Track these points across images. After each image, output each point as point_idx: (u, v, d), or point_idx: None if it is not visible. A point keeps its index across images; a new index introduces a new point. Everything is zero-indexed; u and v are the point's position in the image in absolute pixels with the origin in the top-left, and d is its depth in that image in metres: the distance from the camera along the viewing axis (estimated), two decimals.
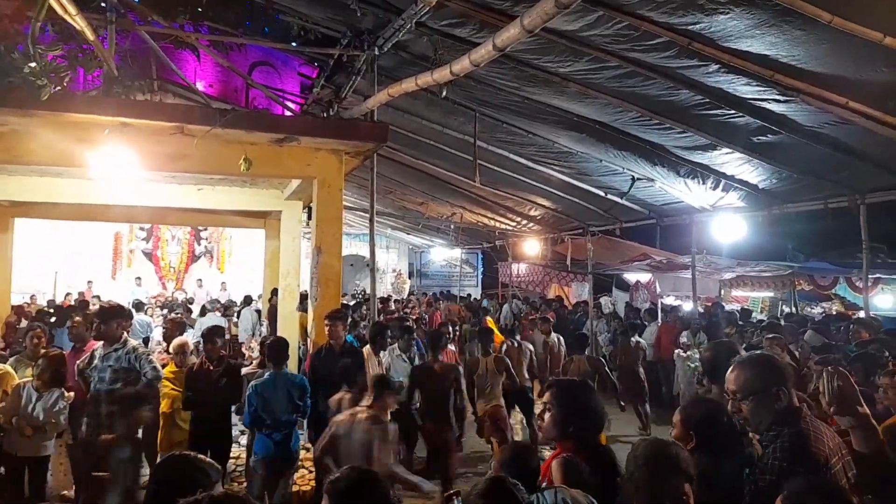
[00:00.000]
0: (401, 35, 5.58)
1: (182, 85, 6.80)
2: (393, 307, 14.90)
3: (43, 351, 5.60)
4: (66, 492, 5.83)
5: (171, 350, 6.46)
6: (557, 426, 2.57)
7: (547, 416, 2.62)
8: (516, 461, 2.36)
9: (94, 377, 4.99)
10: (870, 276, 7.48)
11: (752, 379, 2.31)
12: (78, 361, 5.41)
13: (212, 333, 5.79)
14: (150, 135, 5.67)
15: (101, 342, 5.14)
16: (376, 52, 6.10)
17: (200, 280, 18.80)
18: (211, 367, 5.59)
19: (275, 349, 5.38)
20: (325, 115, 7.70)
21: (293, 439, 5.25)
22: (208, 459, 2.04)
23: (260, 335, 11.26)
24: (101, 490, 5.10)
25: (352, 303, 14.13)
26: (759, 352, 2.81)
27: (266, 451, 5.09)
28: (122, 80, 5.86)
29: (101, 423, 4.86)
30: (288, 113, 8.01)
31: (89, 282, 17.00)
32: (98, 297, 14.72)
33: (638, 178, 8.10)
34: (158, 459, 4.36)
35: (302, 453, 6.88)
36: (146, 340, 9.70)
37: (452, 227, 15.89)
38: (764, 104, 5.15)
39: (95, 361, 5.05)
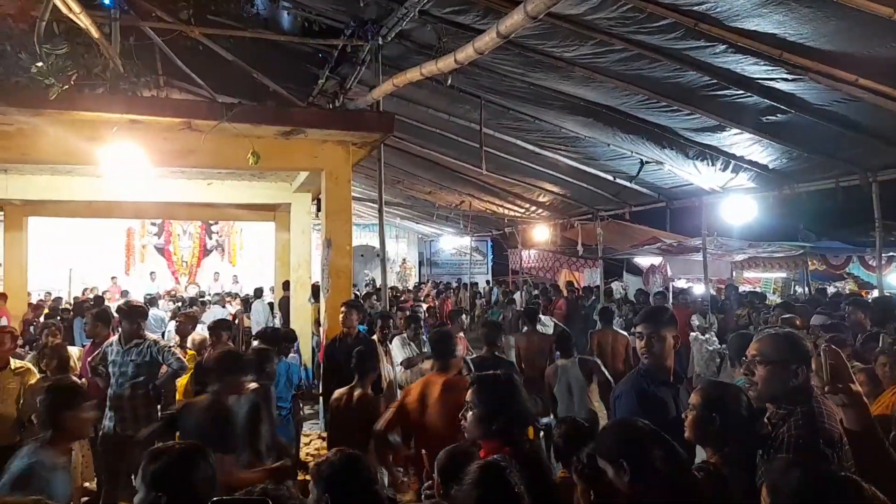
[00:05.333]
0: (404, 24, 5.56)
1: (188, 80, 6.81)
2: (404, 297, 14.96)
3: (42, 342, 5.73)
4: (87, 483, 5.94)
5: (189, 346, 6.55)
6: (480, 424, 2.50)
7: (469, 414, 2.53)
8: (453, 465, 2.23)
9: (114, 372, 5.06)
10: (883, 255, 7.40)
11: (775, 348, 2.33)
12: (89, 359, 5.50)
13: (218, 327, 5.87)
14: (158, 131, 5.70)
15: (116, 337, 5.24)
16: (380, 42, 6.08)
17: (217, 273, 18.95)
18: None
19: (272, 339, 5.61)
20: (330, 106, 7.70)
21: (289, 422, 5.50)
22: (200, 452, 2.05)
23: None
24: (124, 482, 5.25)
25: (362, 293, 14.19)
26: (789, 329, 2.79)
27: None
28: (128, 77, 5.88)
29: (125, 418, 4.96)
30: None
31: (113, 277, 17.28)
32: (126, 291, 14.99)
33: (646, 162, 8.05)
34: None
35: (318, 443, 6.99)
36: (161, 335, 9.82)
37: (461, 215, 15.88)
38: (772, 84, 5.10)
39: (113, 356, 5.11)
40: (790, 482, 1.65)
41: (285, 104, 6.35)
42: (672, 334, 3.00)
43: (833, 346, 2.04)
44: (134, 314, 5.22)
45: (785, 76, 4.86)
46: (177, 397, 5.93)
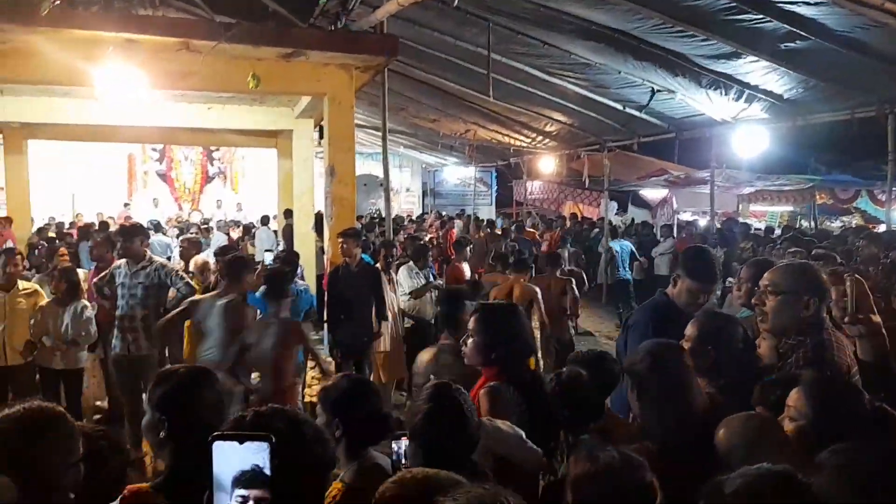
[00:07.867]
0: None
1: None
2: (407, 224, 14.97)
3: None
4: (99, 402, 6.13)
5: (191, 269, 6.58)
6: (480, 352, 2.50)
7: (470, 342, 2.54)
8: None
9: (123, 294, 5.08)
10: (894, 189, 7.30)
11: (788, 279, 2.28)
12: (95, 279, 5.53)
13: (224, 252, 5.88)
14: (155, 52, 5.53)
15: (124, 260, 5.22)
16: None
17: (220, 201, 18.91)
18: None
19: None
20: (332, 28, 7.43)
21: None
22: (206, 377, 1.99)
23: None
24: (135, 402, 5.40)
25: (366, 222, 14.18)
26: (805, 261, 2.74)
27: None
28: None
29: (137, 338, 5.00)
30: None
31: (126, 204, 17.35)
32: (129, 217, 15.03)
33: (658, 90, 7.83)
34: None
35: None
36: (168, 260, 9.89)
37: (466, 144, 15.63)
38: (793, 7, 4.89)
39: (122, 279, 5.12)
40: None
41: (285, 25, 6.13)
42: None
43: (858, 276, 2.00)
44: (132, 233, 5.18)
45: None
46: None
